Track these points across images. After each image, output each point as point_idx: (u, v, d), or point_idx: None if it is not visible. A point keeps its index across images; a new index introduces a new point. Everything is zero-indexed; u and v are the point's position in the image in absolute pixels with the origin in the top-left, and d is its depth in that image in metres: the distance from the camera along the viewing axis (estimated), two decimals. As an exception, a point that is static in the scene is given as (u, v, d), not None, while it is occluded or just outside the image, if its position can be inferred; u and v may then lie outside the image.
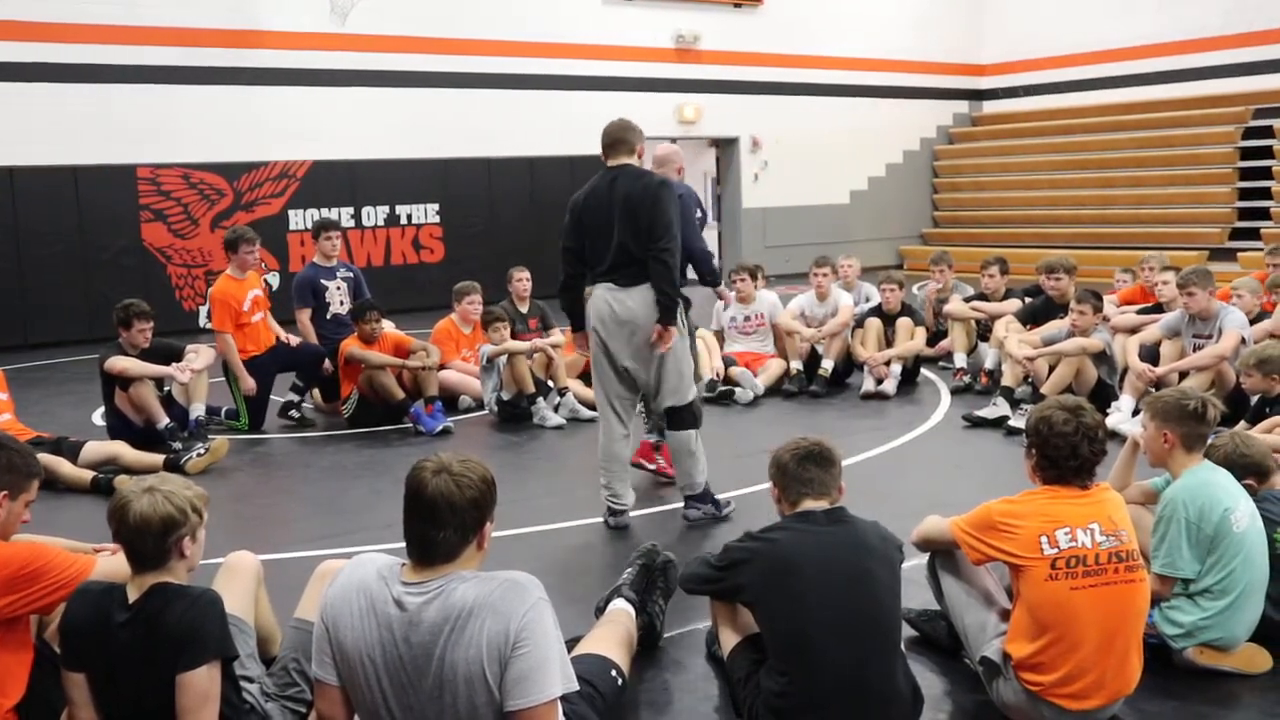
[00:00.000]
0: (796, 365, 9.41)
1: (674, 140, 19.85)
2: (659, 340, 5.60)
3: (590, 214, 5.68)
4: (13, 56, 13.81)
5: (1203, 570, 3.90)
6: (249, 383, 8.43)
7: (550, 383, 8.81)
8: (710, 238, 21.49)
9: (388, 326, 8.80)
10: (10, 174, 13.74)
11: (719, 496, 6.00)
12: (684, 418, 5.83)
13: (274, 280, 14.72)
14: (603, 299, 5.68)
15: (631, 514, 6.06)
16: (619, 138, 5.72)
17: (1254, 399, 6.61)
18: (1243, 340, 7.40)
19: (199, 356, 8.09)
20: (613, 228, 5.57)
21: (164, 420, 7.80)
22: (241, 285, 8.63)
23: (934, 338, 10.10)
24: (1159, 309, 8.58)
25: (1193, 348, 7.68)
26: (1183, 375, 7.48)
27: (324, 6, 15.27)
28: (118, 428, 7.84)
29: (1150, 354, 7.90)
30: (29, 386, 10.42)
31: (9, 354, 12.94)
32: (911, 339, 9.34)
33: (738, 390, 9.07)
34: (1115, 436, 6.20)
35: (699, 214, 7.08)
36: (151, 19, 14.65)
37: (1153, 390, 6.81)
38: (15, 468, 3.43)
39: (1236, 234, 17.87)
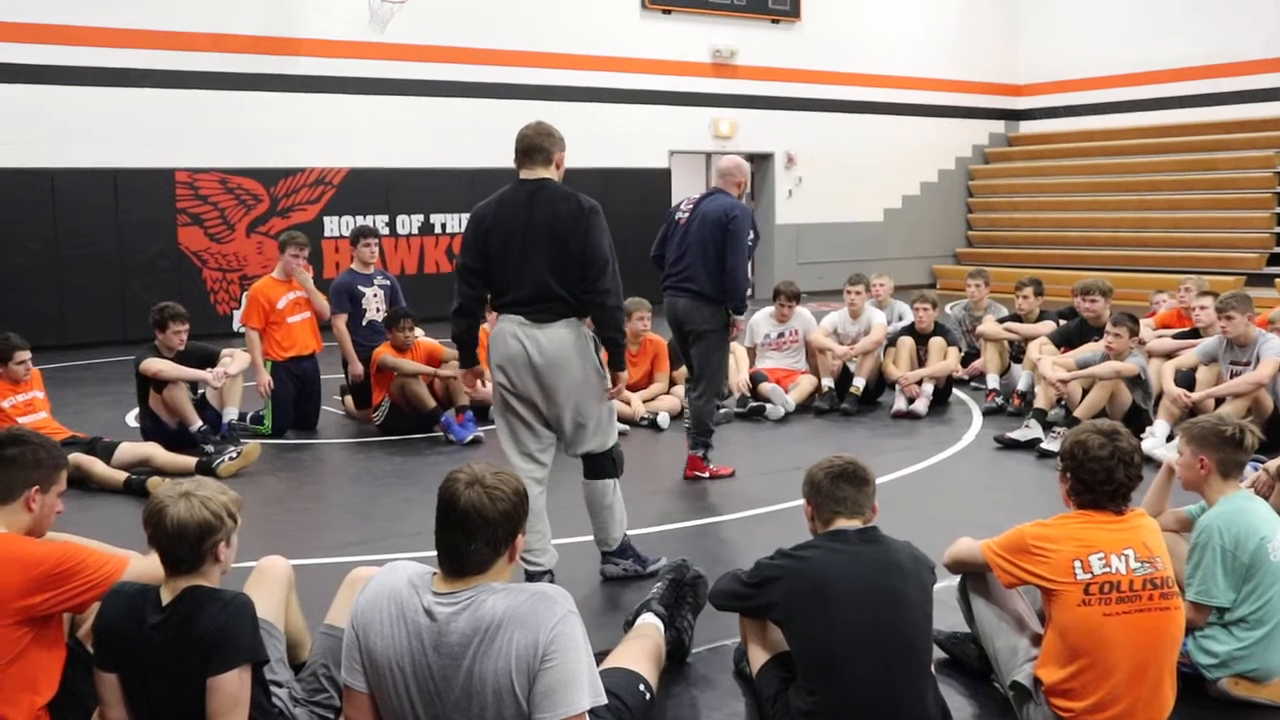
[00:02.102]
0: (828, 383, 9.38)
1: (707, 155, 20.05)
2: (613, 390, 5.10)
3: (499, 233, 4.91)
4: (55, 60, 13.98)
5: (1238, 599, 3.85)
6: (264, 378, 8.52)
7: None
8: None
9: (419, 335, 8.83)
10: (50, 177, 13.90)
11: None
12: (603, 465, 5.10)
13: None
14: (512, 335, 4.89)
15: (662, 528, 6.05)
16: (535, 144, 4.95)
17: (1291, 427, 6.55)
18: (1280, 368, 7.32)
19: (234, 361, 8.17)
20: (526, 255, 4.85)
21: (197, 423, 7.86)
22: (279, 285, 8.74)
23: (967, 358, 10.06)
24: (1195, 334, 8.50)
25: (1229, 374, 7.59)
26: (1219, 401, 7.41)
27: (363, 15, 15.38)
28: (151, 429, 7.91)
29: (1186, 379, 7.83)
30: (64, 386, 10.52)
31: (45, 354, 13.03)
32: (944, 359, 9.29)
33: (768, 406, 9.05)
34: (1149, 462, 6.14)
35: (752, 235, 6.96)
36: (192, 25, 14.80)
37: (1188, 416, 6.75)
38: (42, 461, 3.47)
39: (1275, 259, 17.72)
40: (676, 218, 7.10)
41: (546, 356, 4.85)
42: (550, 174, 4.97)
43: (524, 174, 4.97)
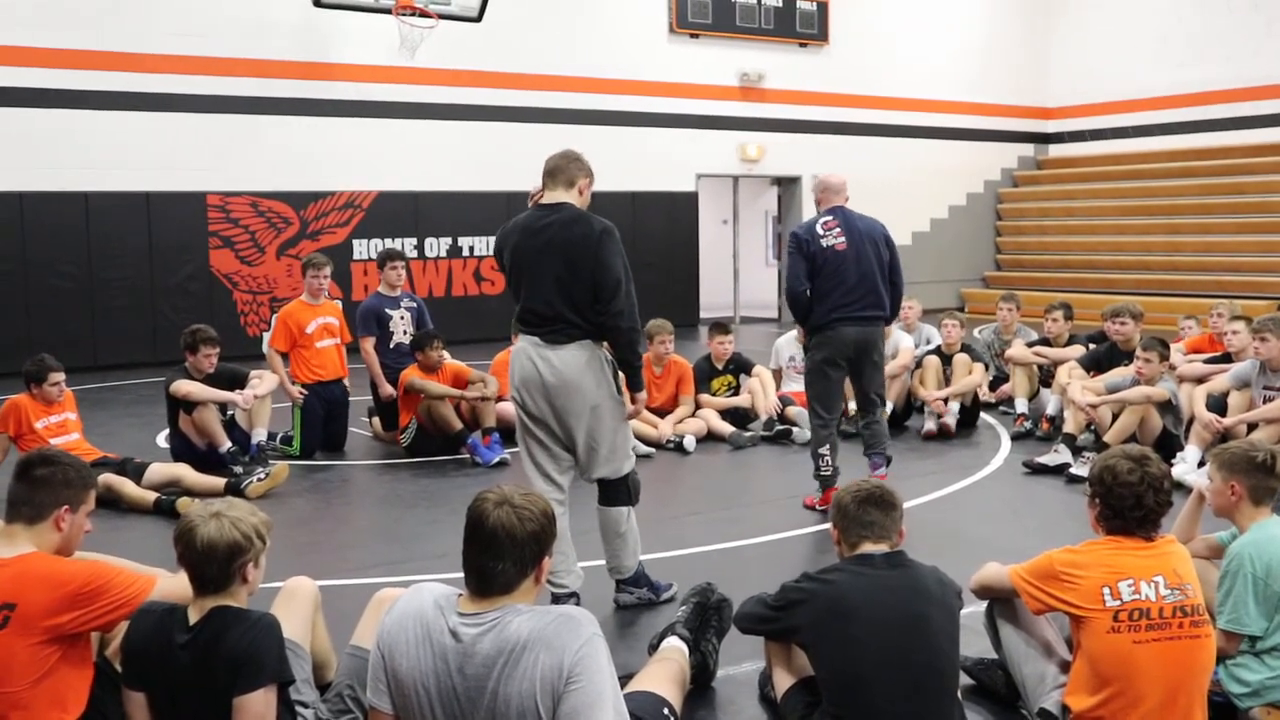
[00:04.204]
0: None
1: (735, 179, 20.08)
2: (631, 411, 5.09)
3: (517, 255, 4.95)
4: (88, 85, 14.17)
5: (1270, 627, 3.81)
6: (293, 391, 8.59)
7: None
8: (771, 276, 21.53)
9: (446, 356, 8.85)
10: (85, 198, 14.06)
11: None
12: (617, 492, 5.06)
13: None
14: (526, 357, 4.91)
15: (685, 552, 6.03)
16: (557, 166, 4.97)
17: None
18: (1314, 393, 7.25)
19: (262, 383, 8.22)
20: (540, 277, 4.87)
21: (226, 444, 7.90)
22: (309, 310, 8.82)
23: (995, 382, 10.02)
24: (1227, 358, 8.43)
25: (1262, 399, 7.52)
26: (1251, 427, 7.34)
27: (393, 40, 15.51)
28: (181, 450, 7.96)
29: (1218, 405, 7.76)
30: (96, 407, 10.61)
31: (77, 375, 13.14)
32: (970, 375, 9.27)
33: (795, 430, 9.02)
34: (1180, 488, 6.09)
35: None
36: (224, 50, 14.97)
37: (1220, 441, 6.68)
38: (71, 481, 3.50)
39: (1307, 284, 17.58)
40: (829, 245, 6.82)
41: (559, 378, 4.85)
42: (570, 197, 4.96)
43: (546, 196, 4.99)
